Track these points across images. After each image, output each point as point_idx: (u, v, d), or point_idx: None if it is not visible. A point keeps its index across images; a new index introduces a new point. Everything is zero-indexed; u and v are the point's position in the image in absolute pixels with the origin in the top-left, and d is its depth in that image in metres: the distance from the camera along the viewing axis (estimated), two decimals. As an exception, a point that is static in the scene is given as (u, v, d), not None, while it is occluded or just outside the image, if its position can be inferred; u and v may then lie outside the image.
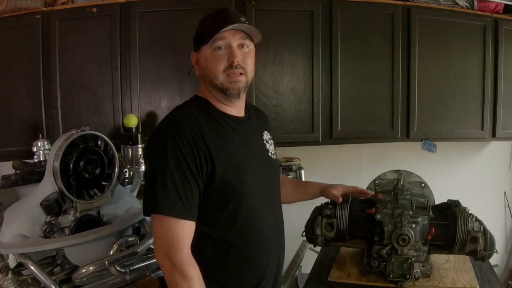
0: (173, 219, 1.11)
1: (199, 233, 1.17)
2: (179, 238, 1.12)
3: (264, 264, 1.27)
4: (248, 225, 1.22)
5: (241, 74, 1.22)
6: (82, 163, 1.77)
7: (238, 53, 1.20)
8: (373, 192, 1.66)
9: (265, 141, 1.36)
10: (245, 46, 1.23)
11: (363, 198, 1.70)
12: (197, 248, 1.16)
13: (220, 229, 1.20)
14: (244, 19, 1.22)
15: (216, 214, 1.20)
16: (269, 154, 1.36)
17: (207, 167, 1.15)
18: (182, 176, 1.12)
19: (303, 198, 1.65)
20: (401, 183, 1.76)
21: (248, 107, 1.38)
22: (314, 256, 1.96)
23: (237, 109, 1.31)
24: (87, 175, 1.80)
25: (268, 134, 1.40)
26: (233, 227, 1.20)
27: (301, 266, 2.12)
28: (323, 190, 1.60)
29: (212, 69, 1.21)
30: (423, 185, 1.78)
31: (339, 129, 2.47)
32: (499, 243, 2.94)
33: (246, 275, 1.24)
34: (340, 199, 1.59)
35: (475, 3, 2.56)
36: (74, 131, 1.77)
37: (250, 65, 1.24)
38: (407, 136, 2.54)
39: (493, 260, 1.85)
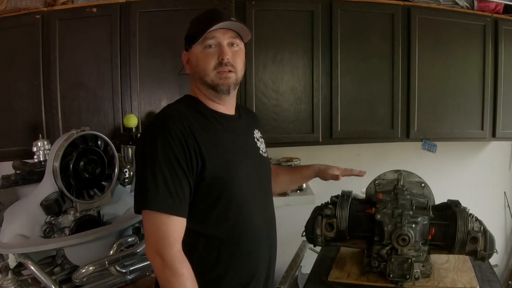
0: (163, 215, 1.11)
1: (190, 230, 1.17)
2: (169, 235, 1.11)
3: (255, 261, 1.28)
4: (239, 222, 1.23)
5: (230, 71, 1.23)
6: (82, 163, 1.77)
7: (228, 51, 1.23)
8: (365, 172, 1.65)
9: (255, 139, 1.37)
10: (235, 45, 1.25)
11: (363, 197, 1.70)
12: (189, 246, 1.16)
13: (211, 226, 1.20)
14: (234, 19, 1.24)
15: (207, 211, 1.20)
16: (260, 152, 1.36)
17: (197, 164, 1.15)
18: (172, 172, 1.12)
19: (300, 182, 1.69)
20: (401, 183, 1.76)
21: (238, 106, 1.39)
22: (314, 256, 1.96)
23: (227, 107, 1.31)
24: (87, 175, 1.80)
25: (259, 132, 1.40)
26: (224, 224, 1.21)
27: (301, 266, 2.12)
28: (319, 172, 1.61)
29: (203, 66, 1.23)
30: (423, 185, 1.77)
31: (339, 129, 2.47)
32: (499, 243, 2.94)
33: (237, 271, 1.24)
34: (340, 178, 1.60)
35: (475, 3, 2.56)
36: (74, 131, 1.77)
37: (239, 63, 1.26)
38: (407, 136, 2.54)
39: (493, 260, 1.85)
